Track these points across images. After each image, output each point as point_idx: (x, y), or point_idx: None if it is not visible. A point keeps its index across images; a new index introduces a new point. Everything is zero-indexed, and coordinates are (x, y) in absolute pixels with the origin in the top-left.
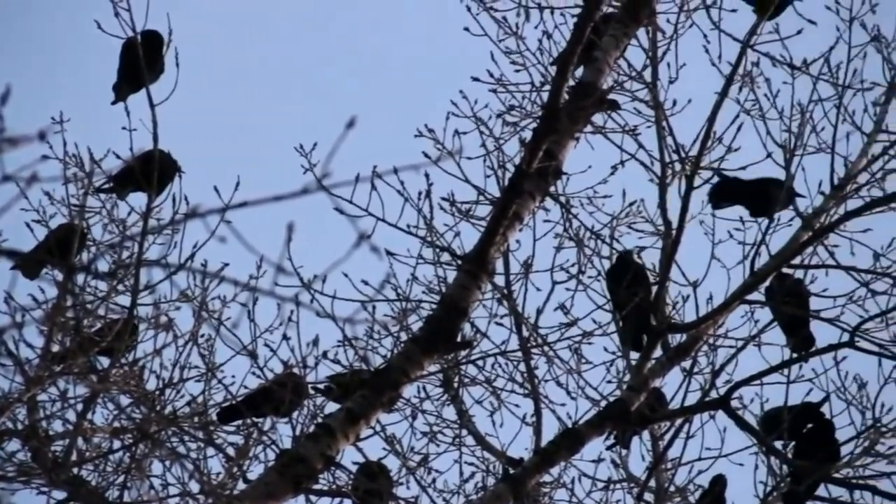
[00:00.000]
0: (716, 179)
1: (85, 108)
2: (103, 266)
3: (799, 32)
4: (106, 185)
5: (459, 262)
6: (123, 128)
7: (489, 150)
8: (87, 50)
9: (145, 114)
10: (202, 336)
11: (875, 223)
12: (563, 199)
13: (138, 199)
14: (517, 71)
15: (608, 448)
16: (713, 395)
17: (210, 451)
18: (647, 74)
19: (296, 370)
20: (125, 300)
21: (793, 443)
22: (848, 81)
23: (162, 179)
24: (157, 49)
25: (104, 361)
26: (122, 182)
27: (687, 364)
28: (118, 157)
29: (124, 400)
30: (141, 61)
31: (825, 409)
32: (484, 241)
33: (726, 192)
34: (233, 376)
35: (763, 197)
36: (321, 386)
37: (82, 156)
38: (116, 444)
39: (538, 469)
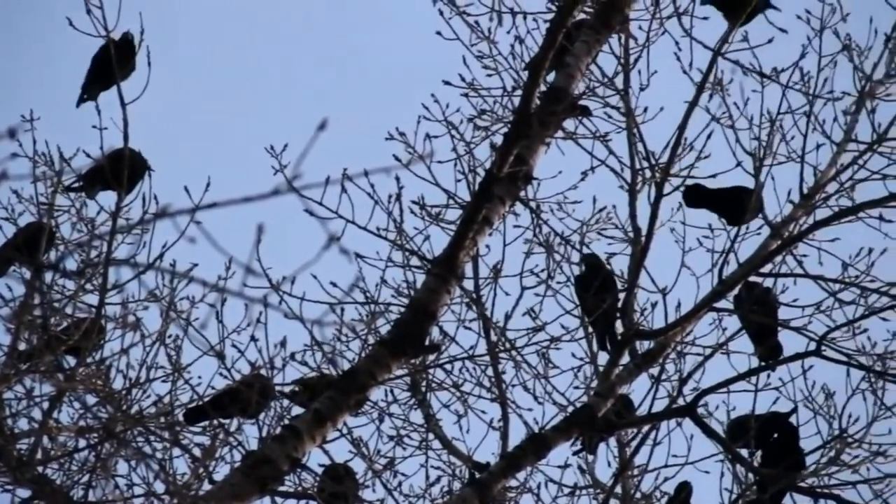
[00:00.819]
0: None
1: (55, 107)
2: (71, 265)
3: (770, 41)
4: (75, 184)
5: (429, 265)
6: (94, 126)
7: (460, 154)
8: (58, 47)
9: (116, 113)
10: (170, 336)
11: (843, 233)
12: (533, 204)
13: (108, 198)
14: (489, 75)
15: (574, 454)
16: (680, 402)
17: (176, 451)
18: (619, 81)
19: (263, 371)
20: (93, 299)
21: (759, 451)
22: (818, 91)
23: (132, 179)
24: (129, 51)
25: (71, 360)
26: (92, 181)
27: (654, 371)
28: (88, 155)
29: (90, 399)
30: (113, 61)
31: (792, 418)
32: (453, 245)
33: (700, 195)
34: (199, 377)
35: (737, 205)
36: (287, 390)
37: (52, 154)
38: (82, 442)
39: (504, 474)
